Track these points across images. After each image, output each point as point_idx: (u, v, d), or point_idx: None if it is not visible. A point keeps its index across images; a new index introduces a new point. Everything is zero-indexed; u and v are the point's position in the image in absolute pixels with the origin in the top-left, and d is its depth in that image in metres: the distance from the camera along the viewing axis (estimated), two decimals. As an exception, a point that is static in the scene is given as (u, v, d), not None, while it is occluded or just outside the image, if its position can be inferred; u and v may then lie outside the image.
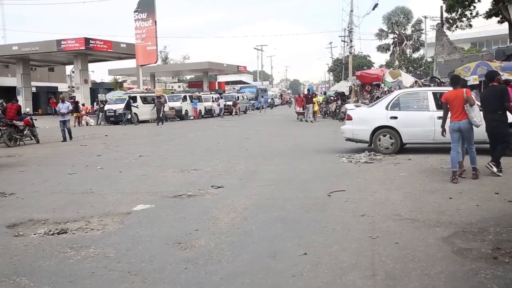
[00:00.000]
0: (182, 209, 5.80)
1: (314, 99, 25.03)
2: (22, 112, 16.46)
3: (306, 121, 23.87)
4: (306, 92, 37.78)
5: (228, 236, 4.58)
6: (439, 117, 8.20)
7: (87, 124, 26.85)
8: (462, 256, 3.84)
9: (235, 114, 35.40)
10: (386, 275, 3.46)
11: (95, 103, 32.17)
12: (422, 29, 48.07)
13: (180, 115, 29.57)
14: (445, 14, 23.93)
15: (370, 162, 9.25)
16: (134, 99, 26.77)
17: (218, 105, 34.69)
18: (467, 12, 22.73)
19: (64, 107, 17.02)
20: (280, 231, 4.69)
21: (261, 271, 3.64)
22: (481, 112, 7.30)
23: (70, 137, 16.66)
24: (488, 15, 21.79)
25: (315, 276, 3.49)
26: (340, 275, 3.49)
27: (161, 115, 25.74)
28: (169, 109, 28.39)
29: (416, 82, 19.45)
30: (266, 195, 6.39)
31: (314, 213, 5.37)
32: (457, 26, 23.65)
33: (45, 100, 41.72)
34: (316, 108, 25.36)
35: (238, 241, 4.43)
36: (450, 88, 7.77)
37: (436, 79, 18.68)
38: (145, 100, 28.01)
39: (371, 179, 7.48)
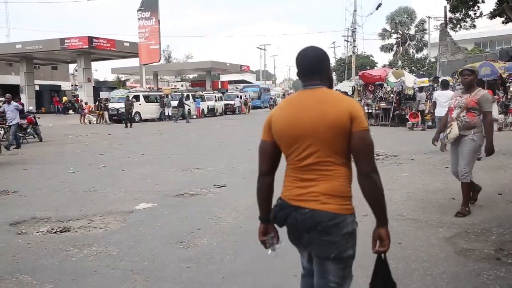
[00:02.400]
0: (185, 208, 5.81)
1: None
2: (25, 111, 16.41)
3: None
4: None
5: (230, 235, 4.58)
6: None
7: (89, 123, 26.92)
8: (465, 256, 3.83)
9: (239, 113, 35.82)
10: (389, 275, 3.45)
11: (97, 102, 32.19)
12: (426, 29, 47.98)
13: (182, 114, 29.62)
14: (448, 14, 23.85)
15: (372, 162, 9.23)
16: (137, 97, 26.92)
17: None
18: (471, 12, 22.60)
19: (10, 108, 13.66)
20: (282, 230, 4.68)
21: (263, 271, 3.64)
22: None
23: (17, 145, 13.80)
24: (492, 15, 21.61)
25: (317, 275, 3.49)
26: (342, 275, 3.48)
27: (131, 116, 24.18)
28: (172, 108, 28.45)
29: (419, 82, 19.43)
30: (268, 195, 6.38)
31: (317, 212, 5.36)
32: (460, 27, 23.54)
33: (48, 98, 41.76)
34: None
35: (240, 240, 4.43)
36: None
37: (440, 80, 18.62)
38: (147, 99, 28.26)
39: (374, 179, 7.46)
